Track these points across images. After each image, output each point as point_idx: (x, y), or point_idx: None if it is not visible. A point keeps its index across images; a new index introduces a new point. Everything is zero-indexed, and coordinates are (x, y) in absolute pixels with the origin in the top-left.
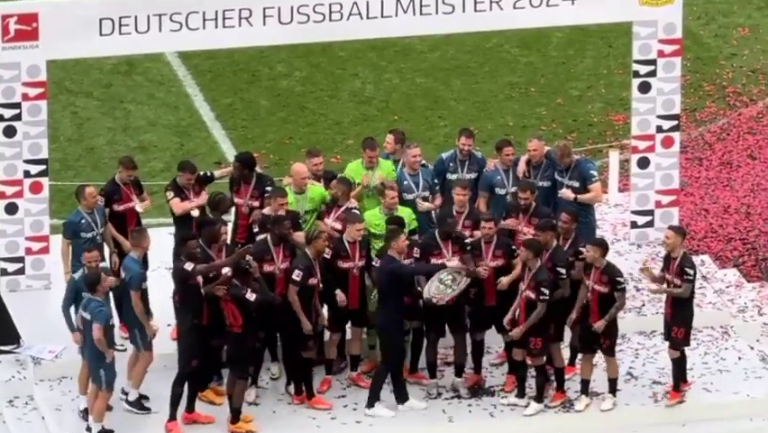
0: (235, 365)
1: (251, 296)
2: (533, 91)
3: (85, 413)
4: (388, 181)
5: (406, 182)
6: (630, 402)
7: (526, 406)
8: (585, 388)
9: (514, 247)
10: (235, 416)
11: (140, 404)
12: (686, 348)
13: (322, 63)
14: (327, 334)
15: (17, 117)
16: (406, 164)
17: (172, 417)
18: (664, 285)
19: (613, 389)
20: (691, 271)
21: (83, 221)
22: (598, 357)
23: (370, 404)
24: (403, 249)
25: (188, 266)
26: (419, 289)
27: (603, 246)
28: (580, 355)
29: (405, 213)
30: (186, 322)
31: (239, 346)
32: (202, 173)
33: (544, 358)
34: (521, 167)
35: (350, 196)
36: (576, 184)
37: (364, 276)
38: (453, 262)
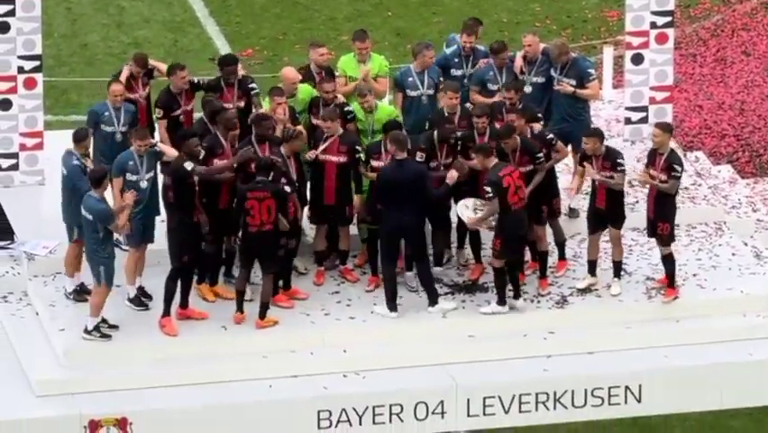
0: (267, 263)
1: (287, 187)
2: None
3: (77, 294)
4: (364, 87)
5: (411, 79)
6: (624, 298)
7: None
8: (592, 269)
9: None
10: (263, 311)
11: (138, 300)
12: (680, 245)
13: None
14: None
15: (11, 13)
16: (418, 63)
17: (166, 313)
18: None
19: (618, 272)
20: (679, 168)
21: (106, 113)
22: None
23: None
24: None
25: (188, 165)
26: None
27: (599, 135)
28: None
29: (386, 112)
30: (174, 219)
31: (272, 243)
32: (196, 80)
33: (503, 262)
34: (518, 62)
35: (336, 92)
36: (573, 82)
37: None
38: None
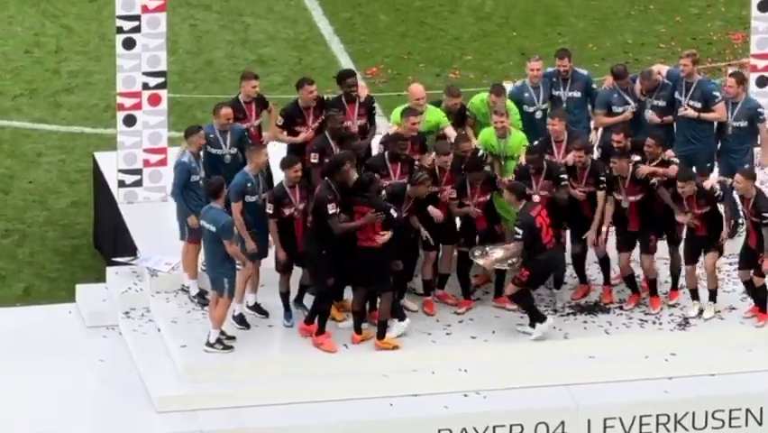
0: (377, 281)
1: (394, 212)
2: (652, 9)
3: (199, 297)
4: (501, 106)
5: (527, 94)
6: (746, 321)
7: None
8: (695, 295)
9: (602, 178)
10: (382, 331)
11: (240, 318)
12: None
13: None
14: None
15: (136, 29)
16: (528, 77)
17: (321, 331)
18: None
19: (713, 298)
20: None
21: (211, 135)
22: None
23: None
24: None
25: (331, 209)
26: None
27: (693, 178)
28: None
29: (517, 139)
30: (316, 246)
31: (378, 261)
32: (325, 97)
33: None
34: (638, 85)
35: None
36: (698, 104)
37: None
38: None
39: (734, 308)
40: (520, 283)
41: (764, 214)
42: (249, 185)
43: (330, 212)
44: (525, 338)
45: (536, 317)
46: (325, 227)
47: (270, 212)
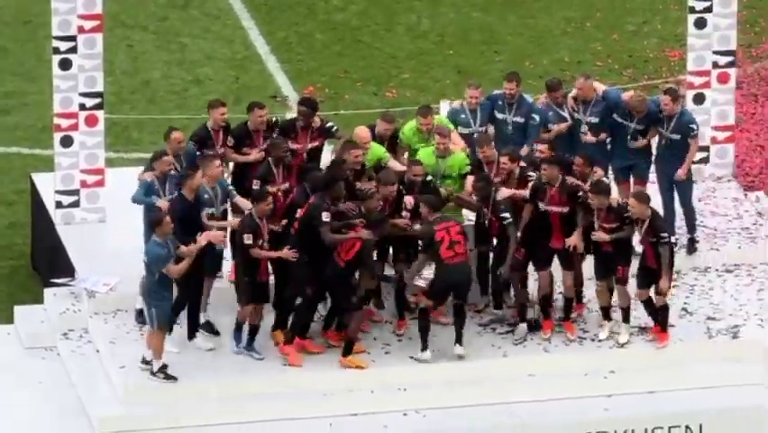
0: (342, 299)
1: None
2: (588, 26)
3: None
4: (438, 127)
5: (464, 116)
6: (685, 338)
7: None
8: (606, 314)
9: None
10: (348, 348)
11: (210, 326)
12: (741, 284)
13: None
14: None
15: (73, 50)
16: (466, 101)
17: (290, 341)
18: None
19: (626, 318)
20: (665, 235)
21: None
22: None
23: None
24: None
25: (326, 217)
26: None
27: (606, 192)
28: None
29: (457, 159)
30: (300, 256)
31: (339, 278)
32: (274, 119)
33: (430, 303)
34: (569, 102)
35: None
36: (640, 127)
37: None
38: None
39: (672, 326)
40: (424, 294)
41: (662, 234)
42: (206, 196)
43: (324, 219)
44: (464, 356)
45: (423, 343)
46: (311, 237)
47: (250, 242)
